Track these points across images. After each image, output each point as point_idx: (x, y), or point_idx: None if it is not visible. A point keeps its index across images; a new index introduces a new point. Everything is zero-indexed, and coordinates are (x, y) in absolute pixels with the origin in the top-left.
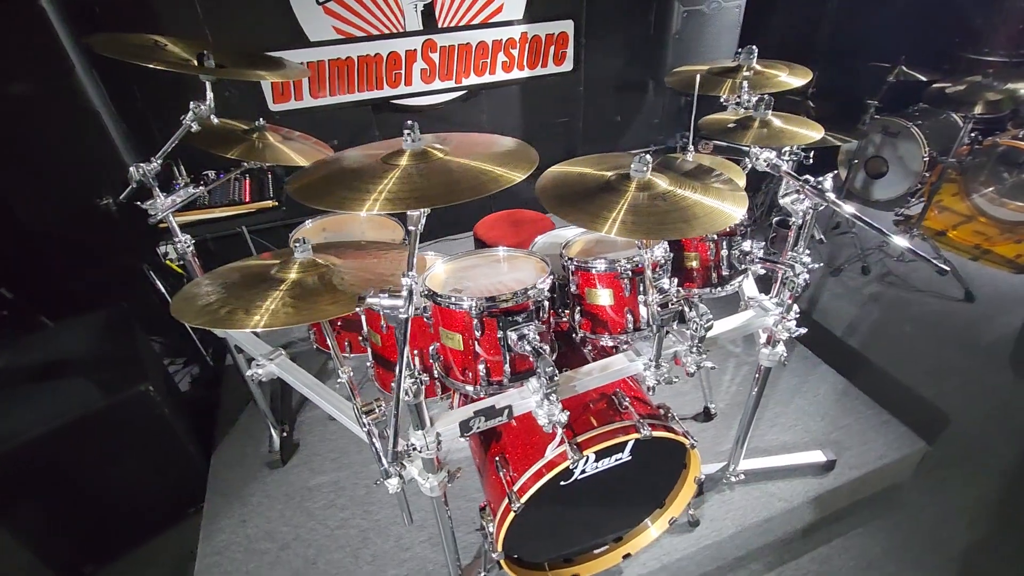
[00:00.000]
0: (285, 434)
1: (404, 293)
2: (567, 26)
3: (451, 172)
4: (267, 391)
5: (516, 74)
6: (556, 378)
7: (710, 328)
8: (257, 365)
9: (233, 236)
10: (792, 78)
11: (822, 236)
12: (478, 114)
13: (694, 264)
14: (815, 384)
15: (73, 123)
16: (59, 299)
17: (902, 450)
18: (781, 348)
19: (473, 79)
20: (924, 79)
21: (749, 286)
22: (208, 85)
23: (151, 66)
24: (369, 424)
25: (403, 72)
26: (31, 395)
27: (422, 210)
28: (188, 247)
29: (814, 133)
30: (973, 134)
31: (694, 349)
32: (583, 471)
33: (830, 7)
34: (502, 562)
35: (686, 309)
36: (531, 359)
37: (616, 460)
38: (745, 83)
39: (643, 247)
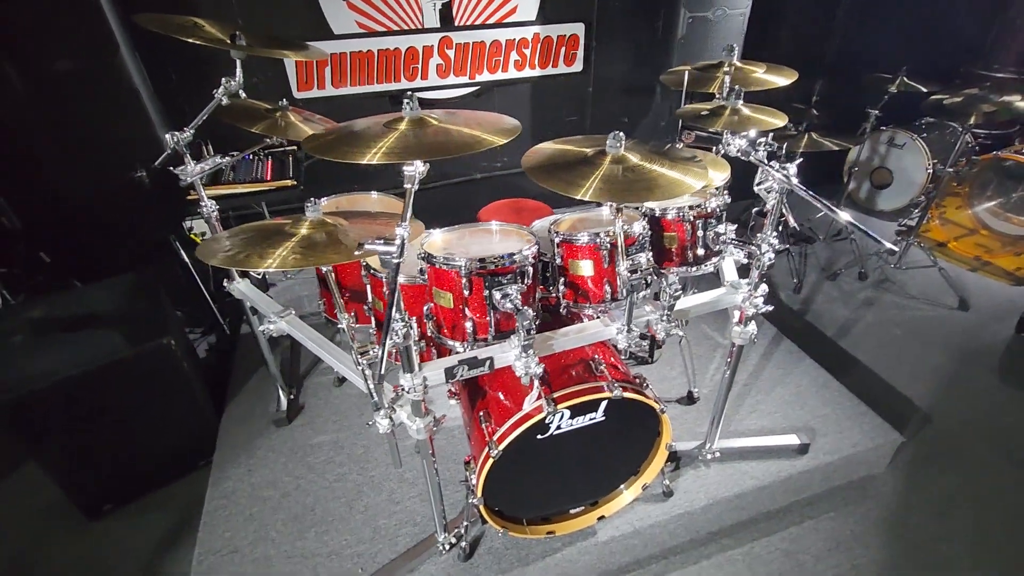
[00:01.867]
0: (292, 396)
1: (397, 241)
2: (578, 28)
3: (441, 135)
4: (278, 356)
5: (527, 73)
6: (533, 331)
7: (678, 297)
8: (269, 321)
9: (255, 215)
10: (771, 76)
11: (795, 223)
12: (490, 110)
13: (673, 244)
14: (798, 376)
15: (116, 100)
16: (93, 266)
17: (876, 440)
18: (752, 327)
19: (486, 76)
20: (925, 91)
21: (729, 268)
22: (239, 63)
23: (191, 41)
24: (364, 364)
25: (420, 66)
26: (64, 342)
27: (417, 166)
28: (212, 211)
29: (777, 121)
30: (971, 145)
31: (664, 317)
32: (559, 427)
33: (835, 18)
34: (481, 508)
35: (655, 278)
36: (513, 316)
37: (590, 419)
38: (727, 78)
39: (616, 216)
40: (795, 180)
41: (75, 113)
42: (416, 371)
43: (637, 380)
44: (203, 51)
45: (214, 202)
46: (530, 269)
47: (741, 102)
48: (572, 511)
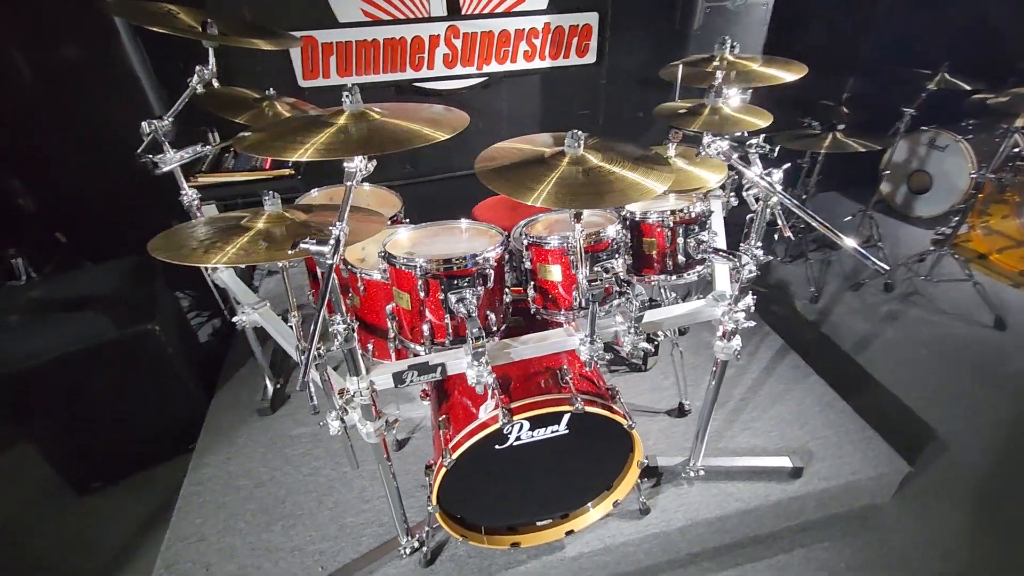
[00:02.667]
0: (279, 386)
1: (332, 241)
2: (591, 18)
3: (382, 129)
4: (269, 347)
5: (537, 64)
6: (483, 339)
7: (645, 309)
8: (243, 312)
9: (258, 203)
10: (773, 70)
11: (790, 233)
12: (499, 102)
13: (652, 251)
14: (800, 394)
15: (115, 85)
16: (105, 247)
17: (879, 468)
18: (735, 342)
19: (494, 66)
20: (968, 89)
21: (721, 278)
22: (211, 51)
23: (159, 30)
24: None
25: (426, 56)
26: (55, 323)
27: (358, 163)
28: (194, 200)
29: (762, 121)
30: (1016, 149)
31: (631, 330)
32: (518, 438)
33: (870, 7)
34: (437, 515)
35: (617, 288)
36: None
37: (552, 432)
38: (719, 74)
39: (574, 221)
40: (779, 187)
41: (81, 98)
42: (363, 375)
43: (608, 392)
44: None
45: (196, 191)
46: (492, 272)
47: (723, 101)
48: (539, 523)
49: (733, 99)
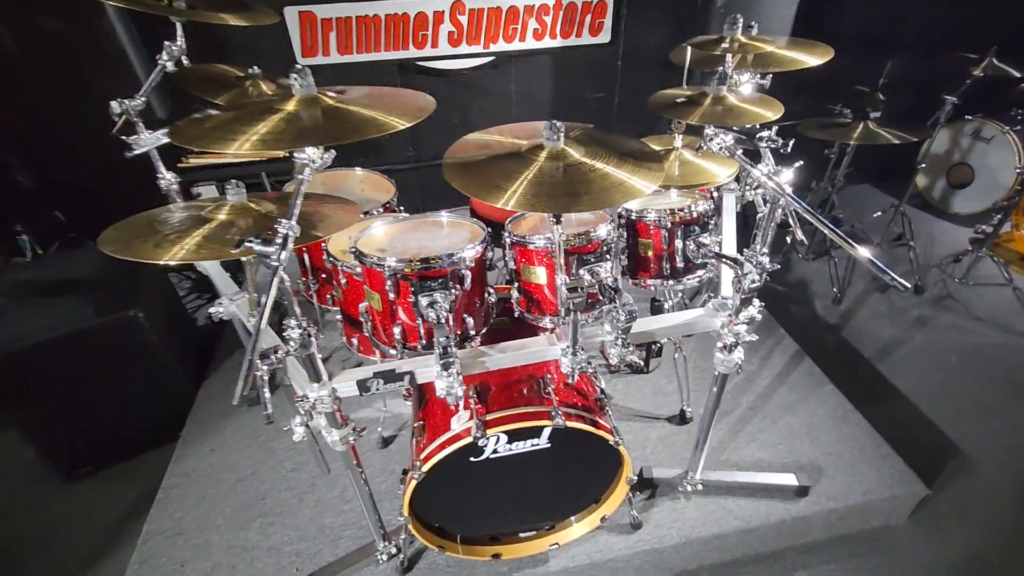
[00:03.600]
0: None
1: (278, 240)
2: None
3: (336, 116)
4: None
5: (548, 43)
6: (451, 349)
7: (633, 319)
8: (219, 303)
9: (259, 185)
10: (793, 53)
11: (803, 237)
12: (507, 83)
13: (648, 252)
14: (814, 404)
15: (104, 61)
16: (107, 226)
17: (893, 489)
18: (737, 355)
19: (502, 45)
20: (1017, 75)
21: (728, 283)
22: (179, 26)
23: (123, 6)
24: (262, 368)
25: (429, 33)
26: (40, 307)
27: (310, 154)
28: (172, 184)
29: (771, 113)
30: None
31: (618, 341)
32: (495, 451)
33: None
34: (409, 526)
35: (602, 297)
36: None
37: (533, 445)
38: (729, 57)
39: (554, 225)
40: (788, 188)
41: (72, 74)
42: (324, 381)
43: (596, 403)
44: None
45: (175, 174)
46: (469, 273)
47: (732, 88)
48: (522, 535)
49: (745, 86)
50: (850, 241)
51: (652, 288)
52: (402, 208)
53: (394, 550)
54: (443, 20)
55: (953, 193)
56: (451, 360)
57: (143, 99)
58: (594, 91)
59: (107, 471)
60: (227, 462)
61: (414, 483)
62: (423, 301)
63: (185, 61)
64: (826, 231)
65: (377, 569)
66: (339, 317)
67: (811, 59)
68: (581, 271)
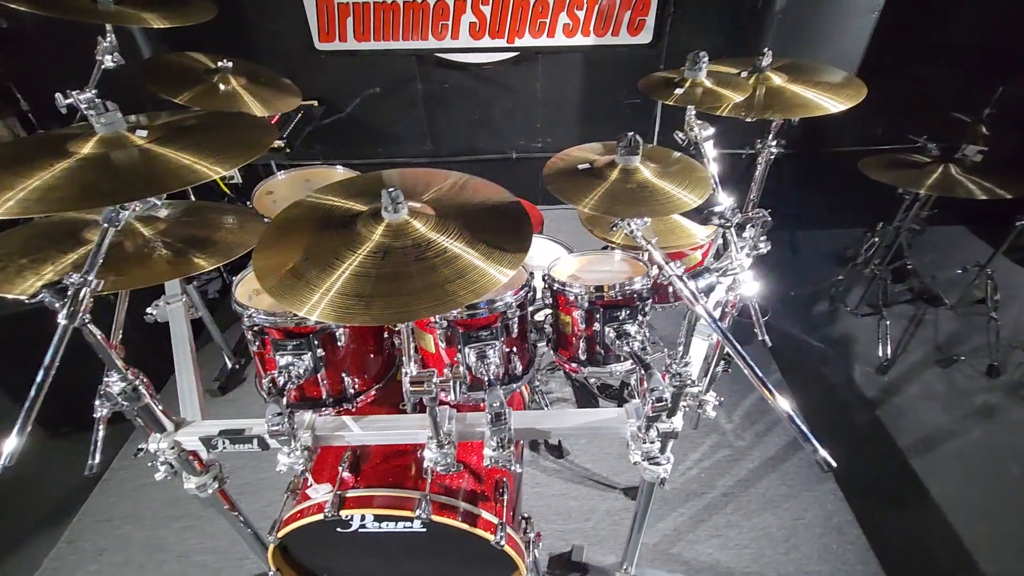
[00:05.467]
0: (237, 367)
1: (70, 293)
2: None
3: (139, 165)
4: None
5: (580, 40)
6: (286, 418)
7: (501, 418)
8: (155, 305)
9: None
10: (808, 91)
11: (766, 337)
12: (532, 81)
13: (568, 331)
14: (804, 504)
15: None
16: None
17: None
18: (662, 468)
19: (528, 40)
20: None
21: (698, 353)
22: (108, 26)
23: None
24: (104, 406)
25: (450, 24)
26: None
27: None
28: None
29: (695, 195)
30: None
31: (499, 445)
32: (363, 526)
33: None
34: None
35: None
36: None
37: (405, 527)
38: (691, 109)
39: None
40: (754, 290)
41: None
42: (167, 432)
43: (492, 488)
44: None
45: None
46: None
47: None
48: None
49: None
50: (769, 386)
51: (579, 370)
52: None
53: None
54: (464, 10)
55: None
56: (285, 436)
57: (93, 91)
58: (630, 96)
59: (86, 434)
60: None
61: (271, 547)
62: (282, 361)
63: (119, 56)
64: (740, 361)
65: None
66: None
67: (833, 103)
68: (467, 348)
